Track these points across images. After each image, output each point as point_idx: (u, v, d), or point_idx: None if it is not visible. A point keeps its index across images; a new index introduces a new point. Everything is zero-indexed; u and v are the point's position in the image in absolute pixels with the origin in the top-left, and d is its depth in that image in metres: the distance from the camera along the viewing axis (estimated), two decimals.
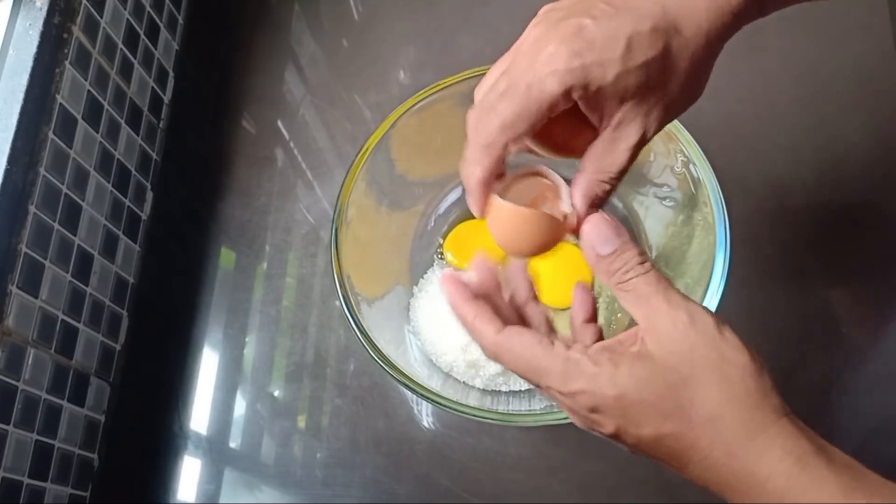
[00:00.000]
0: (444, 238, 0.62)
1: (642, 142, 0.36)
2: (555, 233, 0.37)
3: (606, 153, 0.36)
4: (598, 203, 0.37)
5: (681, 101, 0.36)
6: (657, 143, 0.53)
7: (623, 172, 0.37)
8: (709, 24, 0.34)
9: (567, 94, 0.33)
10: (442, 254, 0.62)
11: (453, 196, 0.63)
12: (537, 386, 0.34)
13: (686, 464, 0.32)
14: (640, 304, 0.33)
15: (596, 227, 0.35)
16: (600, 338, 0.37)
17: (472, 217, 0.62)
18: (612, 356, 0.33)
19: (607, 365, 0.32)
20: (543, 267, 0.60)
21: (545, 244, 0.38)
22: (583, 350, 0.33)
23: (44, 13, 0.56)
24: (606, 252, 0.34)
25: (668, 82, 0.34)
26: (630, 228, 0.61)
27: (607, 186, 0.37)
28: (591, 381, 0.32)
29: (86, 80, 0.60)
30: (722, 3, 0.34)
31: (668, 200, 0.56)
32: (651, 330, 0.33)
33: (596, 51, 0.33)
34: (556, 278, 0.60)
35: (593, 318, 0.38)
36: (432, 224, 0.63)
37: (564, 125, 0.37)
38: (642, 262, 0.34)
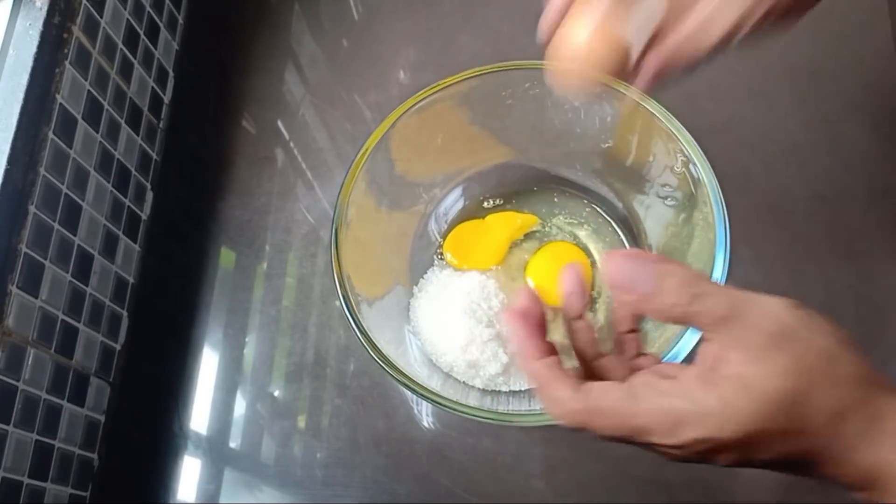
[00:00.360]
0: (444, 238, 0.62)
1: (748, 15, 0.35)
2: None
3: (709, 17, 0.34)
4: (666, 75, 0.36)
5: None
6: (657, 142, 0.53)
7: (717, 48, 0.35)
8: None
9: None
10: (442, 254, 0.62)
11: (453, 196, 0.63)
12: (632, 442, 0.32)
13: (802, 467, 0.31)
14: (717, 327, 0.31)
15: (620, 268, 0.32)
16: (639, 345, 0.36)
17: (472, 217, 0.63)
18: (715, 389, 0.30)
19: (714, 401, 0.30)
20: (542, 267, 0.60)
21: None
22: (676, 388, 0.30)
23: (44, 13, 0.56)
24: (649, 289, 0.31)
25: None
26: (630, 228, 0.61)
27: (694, 57, 0.35)
28: (704, 428, 0.29)
29: (86, 80, 0.60)
30: None
31: (668, 200, 0.56)
32: (740, 348, 0.30)
33: None
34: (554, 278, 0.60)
35: (636, 327, 0.37)
36: (432, 224, 0.63)
37: None
38: (690, 282, 0.31)
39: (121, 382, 0.65)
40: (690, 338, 0.43)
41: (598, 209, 0.62)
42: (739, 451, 0.30)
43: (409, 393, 0.55)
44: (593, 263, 0.59)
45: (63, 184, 0.57)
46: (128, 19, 0.66)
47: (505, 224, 0.62)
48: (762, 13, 0.36)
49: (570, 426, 0.32)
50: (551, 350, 0.34)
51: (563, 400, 0.32)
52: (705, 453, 0.30)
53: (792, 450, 0.30)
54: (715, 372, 0.30)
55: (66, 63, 0.58)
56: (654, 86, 0.37)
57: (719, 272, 0.48)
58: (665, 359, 0.42)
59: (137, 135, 0.68)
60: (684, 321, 0.31)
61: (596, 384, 0.32)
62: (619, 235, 0.61)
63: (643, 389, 0.31)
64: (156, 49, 0.71)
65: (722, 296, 0.31)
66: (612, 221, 0.62)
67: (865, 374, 0.30)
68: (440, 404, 0.47)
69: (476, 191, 0.63)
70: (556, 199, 0.62)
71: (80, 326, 0.60)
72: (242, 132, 0.73)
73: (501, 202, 0.63)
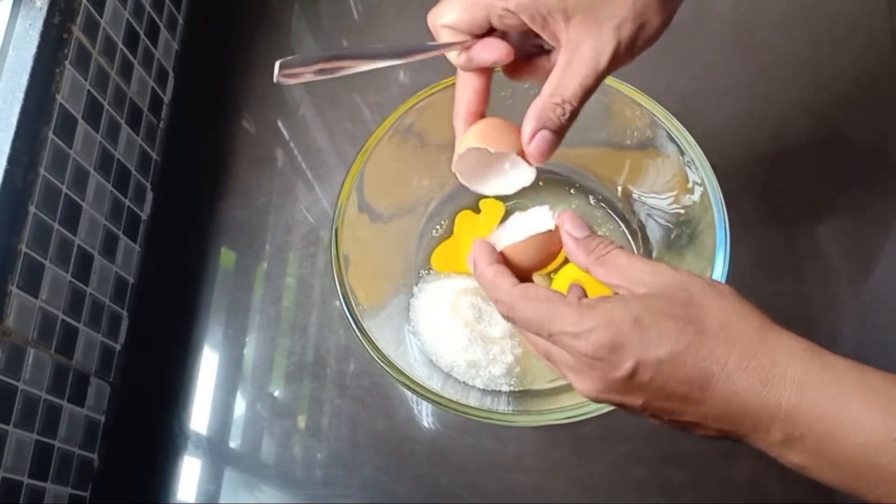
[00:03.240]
0: (436, 248, 0.62)
1: (596, 64, 0.36)
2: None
3: (562, 75, 0.37)
4: (548, 126, 0.38)
5: (632, 22, 0.36)
6: (657, 142, 0.53)
7: (577, 97, 0.37)
8: None
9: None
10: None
11: (453, 195, 0.63)
12: (549, 337, 0.35)
13: (707, 382, 0.32)
14: (620, 271, 0.36)
15: (570, 218, 0.39)
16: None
17: (461, 225, 0.62)
18: (619, 296, 0.34)
19: (618, 301, 0.34)
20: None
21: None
22: (592, 300, 0.35)
23: (44, 13, 0.56)
24: (583, 235, 0.38)
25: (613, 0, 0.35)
26: (631, 229, 0.61)
27: (559, 110, 0.37)
28: (607, 314, 0.33)
29: (86, 80, 0.60)
30: None
31: (668, 200, 0.56)
32: (638, 284, 0.35)
33: None
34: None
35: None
36: (433, 223, 0.63)
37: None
38: (612, 242, 0.37)
39: (121, 382, 0.65)
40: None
41: (603, 206, 0.62)
42: (637, 342, 0.32)
43: (409, 393, 0.55)
44: None
45: (63, 184, 0.57)
46: (128, 19, 0.66)
47: (472, 226, 0.62)
48: (613, 36, 0.36)
49: (501, 308, 0.37)
50: (499, 258, 0.39)
51: (501, 287, 0.37)
52: (609, 350, 0.32)
53: (685, 345, 0.32)
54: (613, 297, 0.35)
55: (66, 63, 0.58)
56: (543, 152, 0.39)
57: (719, 272, 0.48)
58: None
59: (137, 135, 0.68)
60: (598, 263, 0.37)
61: (523, 287, 0.37)
62: (626, 237, 0.61)
63: (559, 297, 0.35)
64: (156, 49, 0.71)
65: (627, 251, 0.37)
66: (616, 219, 0.62)
67: (748, 302, 0.34)
68: (440, 404, 0.47)
69: None
70: (559, 196, 0.62)
71: (80, 326, 0.60)
72: (242, 132, 0.73)
73: (502, 200, 0.63)
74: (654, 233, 0.59)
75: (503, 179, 0.42)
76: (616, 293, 0.36)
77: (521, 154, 0.39)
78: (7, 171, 0.52)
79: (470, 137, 0.40)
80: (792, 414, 0.31)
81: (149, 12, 0.70)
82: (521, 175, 0.41)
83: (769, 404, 0.31)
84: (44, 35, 0.55)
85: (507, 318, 0.37)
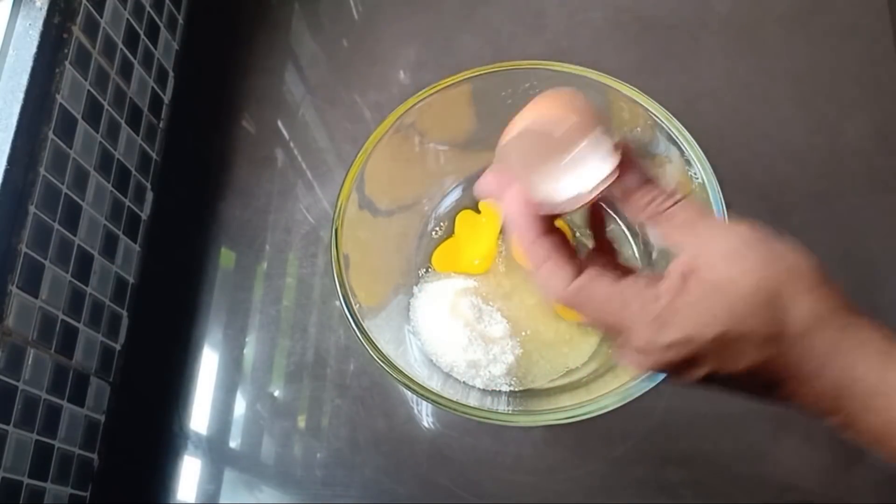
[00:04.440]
0: (436, 248, 0.62)
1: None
2: None
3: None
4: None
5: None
6: (657, 143, 0.53)
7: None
8: None
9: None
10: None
11: (454, 195, 0.63)
12: (617, 341, 0.33)
13: (773, 388, 0.31)
14: (684, 231, 0.32)
15: (625, 160, 0.33)
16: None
17: (461, 225, 0.62)
18: (689, 296, 0.30)
19: (703, 310, 0.30)
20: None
21: None
22: (657, 293, 0.31)
23: (44, 13, 0.56)
24: (639, 184, 0.33)
25: None
26: (632, 230, 0.61)
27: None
28: (686, 329, 0.30)
29: (86, 80, 0.60)
30: None
31: None
32: (710, 254, 0.31)
33: None
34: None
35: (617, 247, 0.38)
36: (432, 224, 0.63)
37: None
38: (671, 194, 0.33)
39: (121, 382, 0.65)
40: None
41: (602, 205, 0.62)
42: (716, 357, 0.30)
43: (409, 393, 0.55)
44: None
45: (63, 184, 0.57)
46: (128, 19, 0.66)
47: (472, 226, 0.62)
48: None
49: (558, 303, 0.33)
50: (550, 227, 0.33)
51: (554, 287, 0.32)
52: (685, 361, 0.31)
53: (763, 360, 0.30)
54: (688, 280, 0.31)
55: (66, 63, 0.58)
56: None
57: None
58: None
59: (137, 135, 0.68)
60: (658, 219, 0.33)
61: (587, 279, 0.32)
62: (625, 234, 0.61)
63: (630, 291, 0.31)
64: (156, 49, 0.71)
65: (692, 205, 0.32)
66: (616, 219, 0.62)
67: (832, 289, 0.31)
68: (440, 404, 0.47)
69: None
70: None
71: (80, 326, 0.60)
72: (242, 132, 0.73)
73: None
74: (654, 233, 0.59)
75: (573, 169, 0.32)
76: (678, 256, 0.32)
77: (604, 128, 0.31)
78: (7, 171, 0.52)
79: (527, 114, 0.32)
80: (855, 419, 0.30)
81: (149, 12, 0.70)
82: (595, 166, 0.32)
83: (829, 411, 0.31)
84: (44, 35, 0.55)
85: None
